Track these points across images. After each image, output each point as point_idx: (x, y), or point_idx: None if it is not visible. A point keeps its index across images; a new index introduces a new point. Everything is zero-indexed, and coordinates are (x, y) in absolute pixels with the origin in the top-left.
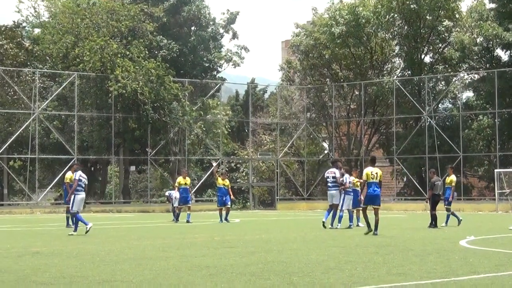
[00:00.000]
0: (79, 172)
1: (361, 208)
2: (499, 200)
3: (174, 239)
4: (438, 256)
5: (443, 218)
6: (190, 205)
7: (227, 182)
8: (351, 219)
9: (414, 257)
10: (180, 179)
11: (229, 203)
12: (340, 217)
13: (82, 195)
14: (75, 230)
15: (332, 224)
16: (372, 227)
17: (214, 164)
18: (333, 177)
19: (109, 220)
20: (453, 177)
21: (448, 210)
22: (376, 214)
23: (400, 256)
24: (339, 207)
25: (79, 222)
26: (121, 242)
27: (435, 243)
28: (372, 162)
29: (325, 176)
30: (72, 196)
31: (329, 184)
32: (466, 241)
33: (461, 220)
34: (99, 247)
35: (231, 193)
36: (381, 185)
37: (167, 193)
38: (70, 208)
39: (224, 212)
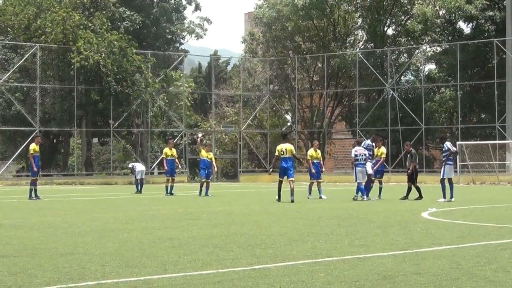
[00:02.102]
0: None
1: (320, 181)
2: (461, 172)
3: (137, 211)
4: (400, 228)
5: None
6: (174, 177)
7: (211, 154)
8: (358, 191)
9: (377, 229)
10: (167, 150)
11: (210, 177)
12: (362, 189)
13: None
14: None
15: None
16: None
17: (200, 135)
18: (364, 154)
19: (71, 192)
20: (383, 149)
21: (380, 182)
22: (290, 184)
23: (362, 228)
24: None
25: None
26: (83, 215)
27: (397, 215)
28: (284, 138)
29: (353, 155)
30: None
31: (362, 162)
32: (428, 213)
33: (378, 198)
34: (62, 219)
35: (215, 165)
36: (295, 158)
37: (130, 165)
38: None
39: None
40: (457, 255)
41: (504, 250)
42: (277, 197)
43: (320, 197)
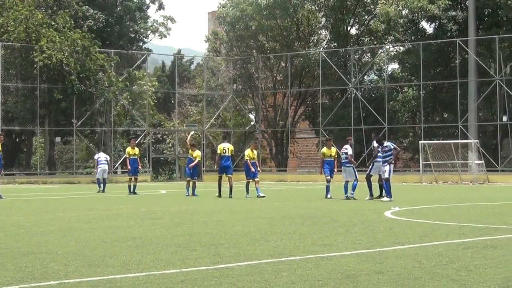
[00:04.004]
0: None
1: (257, 179)
2: (423, 172)
3: (100, 210)
4: (363, 227)
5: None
6: (137, 176)
7: (196, 153)
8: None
9: (340, 228)
10: (129, 149)
11: (196, 176)
12: (354, 186)
13: None
14: None
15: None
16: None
17: (192, 133)
18: (345, 153)
19: (34, 192)
20: (334, 149)
21: (328, 181)
22: (229, 181)
23: (325, 227)
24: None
25: None
26: (46, 214)
27: (360, 214)
28: (224, 139)
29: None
30: None
31: (343, 161)
32: (391, 212)
33: (331, 198)
34: (24, 218)
35: (197, 164)
36: (233, 158)
37: (95, 157)
38: None
39: (191, 184)
40: (419, 254)
41: (466, 249)
42: (217, 194)
43: (259, 195)
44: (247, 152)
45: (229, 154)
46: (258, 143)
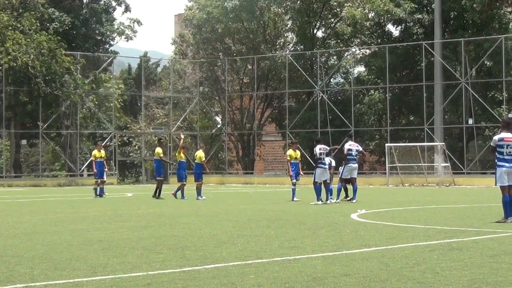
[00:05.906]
0: None
1: (201, 182)
2: (389, 174)
3: (66, 213)
4: (330, 230)
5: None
6: (104, 179)
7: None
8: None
9: (306, 230)
10: (95, 152)
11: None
12: (337, 189)
13: None
14: None
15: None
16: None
17: (182, 136)
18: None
19: None
20: (298, 152)
21: (294, 184)
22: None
23: (292, 230)
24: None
25: None
26: (12, 217)
27: (327, 216)
28: (158, 142)
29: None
30: None
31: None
32: (357, 214)
33: (298, 200)
34: None
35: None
36: (164, 161)
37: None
38: None
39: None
40: (386, 256)
41: (433, 251)
42: (155, 196)
43: (198, 198)
44: (198, 153)
45: (156, 157)
46: (225, 145)
